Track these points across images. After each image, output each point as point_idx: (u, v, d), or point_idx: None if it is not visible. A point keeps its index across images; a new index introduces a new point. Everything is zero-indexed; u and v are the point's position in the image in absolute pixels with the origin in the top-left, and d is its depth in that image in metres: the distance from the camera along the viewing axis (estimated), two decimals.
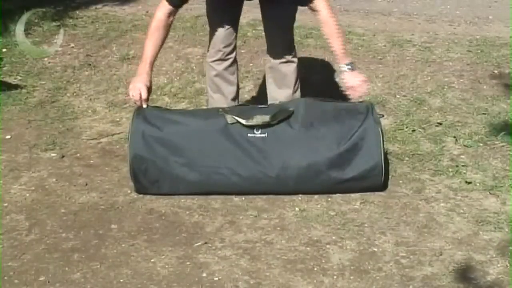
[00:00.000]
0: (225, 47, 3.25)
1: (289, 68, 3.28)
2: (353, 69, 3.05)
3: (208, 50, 3.33)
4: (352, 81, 3.03)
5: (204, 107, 3.61)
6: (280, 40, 3.26)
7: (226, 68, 3.30)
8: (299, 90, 3.32)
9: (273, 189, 2.88)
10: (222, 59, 3.27)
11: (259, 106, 3.05)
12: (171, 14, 3.04)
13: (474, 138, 3.40)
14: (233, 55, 3.30)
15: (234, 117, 2.87)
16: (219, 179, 2.85)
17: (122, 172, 3.14)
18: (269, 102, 3.28)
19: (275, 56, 3.28)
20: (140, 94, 2.95)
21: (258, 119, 2.86)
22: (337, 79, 3.01)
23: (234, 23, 3.26)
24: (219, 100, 3.33)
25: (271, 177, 2.84)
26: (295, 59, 3.29)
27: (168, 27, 3.08)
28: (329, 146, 2.84)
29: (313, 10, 3.06)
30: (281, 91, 3.29)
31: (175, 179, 2.87)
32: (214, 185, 2.87)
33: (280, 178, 2.84)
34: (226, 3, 3.18)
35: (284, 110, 2.92)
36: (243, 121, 2.86)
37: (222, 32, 3.23)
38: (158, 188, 2.90)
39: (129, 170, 2.91)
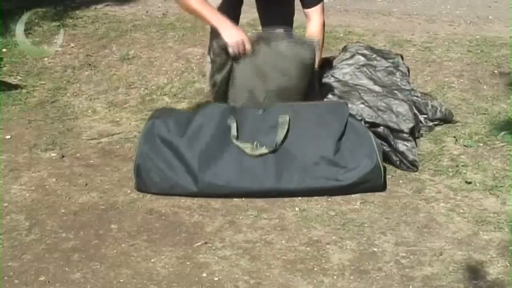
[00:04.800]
0: None
1: None
2: None
3: (209, 49, 3.32)
4: None
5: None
6: None
7: None
8: None
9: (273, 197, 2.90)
10: None
11: (258, 113, 2.99)
12: None
13: (474, 138, 3.40)
14: None
15: (240, 146, 2.88)
16: (220, 191, 2.86)
17: (122, 172, 3.14)
18: None
19: None
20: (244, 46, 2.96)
21: (264, 150, 2.87)
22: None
23: (236, 22, 3.26)
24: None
25: (272, 190, 2.86)
26: None
27: None
28: (324, 155, 2.87)
29: (306, 16, 3.07)
30: None
31: (176, 185, 2.87)
32: (214, 194, 2.87)
33: (281, 191, 2.86)
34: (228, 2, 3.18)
35: (283, 124, 2.91)
36: (248, 151, 2.87)
37: None
38: (158, 189, 2.90)
39: (133, 164, 2.93)
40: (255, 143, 2.88)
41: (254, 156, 2.86)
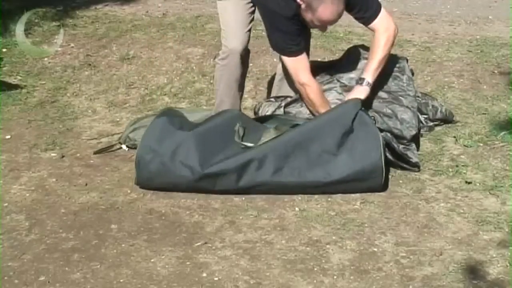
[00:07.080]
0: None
1: None
2: (364, 85, 3.13)
3: (220, 51, 3.33)
4: (353, 94, 3.13)
5: (204, 107, 3.62)
6: None
7: None
8: None
9: (272, 192, 2.91)
10: None
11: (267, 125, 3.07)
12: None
13: (474, 138, 3.40)
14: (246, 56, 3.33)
15: (244, 143, 2.92)
16: (218, 183, 2.88)
17: (122, 172, 3.14)
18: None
19: None
20: None
21: (264, 139, 2.91)
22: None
23: (250, 25, 3.28)
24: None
25: (272, 184, 2.87)
26: None
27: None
28: (327, 150, 2.88)
29: (372, 30, 3.31)
30: (290, 90, 3.33)
31: (174, 176, 2.88)
32: (212, 187, 2.88)
33: (279, 184, 2.87)
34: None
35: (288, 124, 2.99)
36: (250, 145, 2.91)
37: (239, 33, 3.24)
38: (160, 183, 2.91)
39: (135, 157, 2.95)
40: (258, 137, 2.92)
41: (256, 147, 2.88)
